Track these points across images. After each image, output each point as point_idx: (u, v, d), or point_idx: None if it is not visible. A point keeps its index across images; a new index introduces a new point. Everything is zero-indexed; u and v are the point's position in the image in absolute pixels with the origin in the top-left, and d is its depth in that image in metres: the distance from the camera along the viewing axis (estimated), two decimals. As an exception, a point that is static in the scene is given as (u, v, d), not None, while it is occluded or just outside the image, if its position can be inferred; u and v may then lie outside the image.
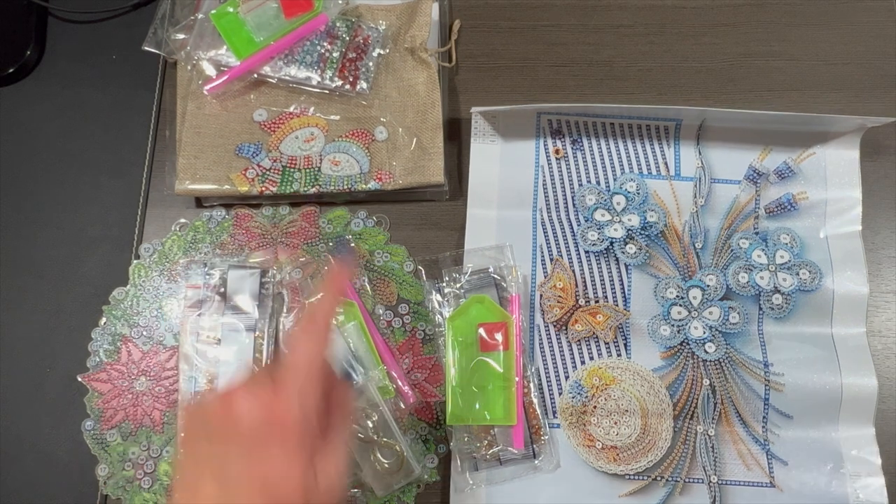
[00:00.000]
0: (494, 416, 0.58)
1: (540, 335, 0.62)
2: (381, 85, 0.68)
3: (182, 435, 0.57)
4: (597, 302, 0.63)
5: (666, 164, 0.66)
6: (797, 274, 0.62)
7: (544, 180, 0.66)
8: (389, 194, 0.66)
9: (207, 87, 0.66)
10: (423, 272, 0.64)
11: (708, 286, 0.62)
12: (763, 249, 0.63)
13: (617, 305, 0.63)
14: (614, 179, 0.66)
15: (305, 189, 0.64)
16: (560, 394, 0.61)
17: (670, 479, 0.59)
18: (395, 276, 0.64)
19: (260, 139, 0.66)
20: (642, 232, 0.63)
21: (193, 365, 0.59)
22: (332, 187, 0.64)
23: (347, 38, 0.68)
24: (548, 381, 0.61)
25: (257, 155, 0.65)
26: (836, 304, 0.62)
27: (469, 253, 0.63)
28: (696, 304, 0.62)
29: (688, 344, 0.62)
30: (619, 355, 0.62)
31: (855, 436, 0.59)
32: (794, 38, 0.72)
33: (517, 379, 0.59)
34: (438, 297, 0.62)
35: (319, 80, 0.66)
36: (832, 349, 0.61)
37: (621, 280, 0.63)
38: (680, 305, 0.62)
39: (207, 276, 0.61)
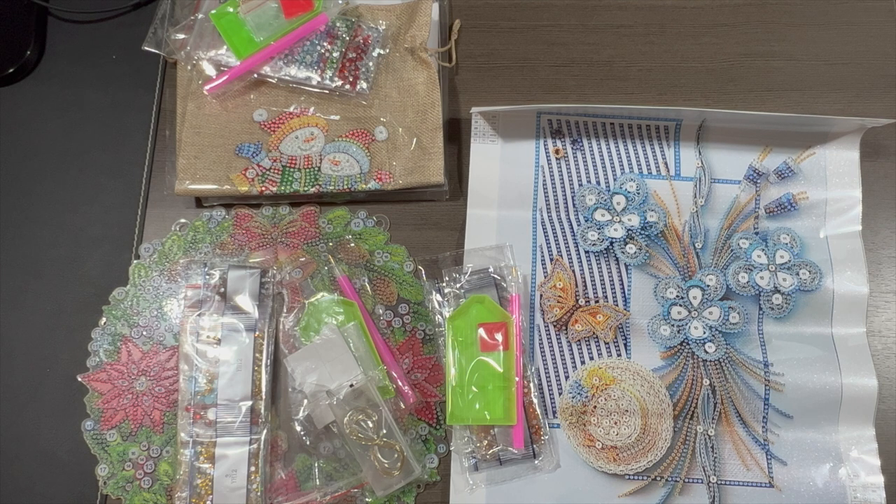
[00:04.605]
0: (494, 416, 0.58)
1: (540, 335, 0.62)
2: (381, 85, 0.68)
3: None
4: (597, 302, 0.63)
5: (666, 164, 0.66)
6: (797, 274, 0.62)
7: (544, 180, 0.66)
8: (389, 194, 0.66)
9: (207, 87, 0.66)
10: (423, 272, 0.64)
11: (708, 286, 0.62)
12: (763, 249, 0.63)
13: (617, 305, 0.63)
14: (614, 179, 0.66)
15: (305, 189, 0.64)
16: (560, 394, 0.61)
17: (670, 479, 0.59)
18: (395, 276, 0.64)
19: (260, 139, 0.66)
20: (642, 232, 0.63)
21: (193, 365, 0.59)
22: (332, 187, 0.64)
23: (347, 38, 0.68)
24: (548, 381, 0.61)
25: (257, 155, 0.65)
26: (836, 304, 0.62)
27: (469, 253, 0.63)
28: (696, 304, 0.62)
29: (688, 344, 0.62)
30: (619, 355, 0.62)
31: (855, 436, 0.59)
32: (794, 38, 0.72)
33: (517, 379, 0.59)
34: (438, 297, 0.62)
35: (319, 80, 0.66)
36: (832, 349, 0.61)
37: (621, 280, 0.63)
38: (680, 305, 0.62)
39: (207, 276, 0.61)
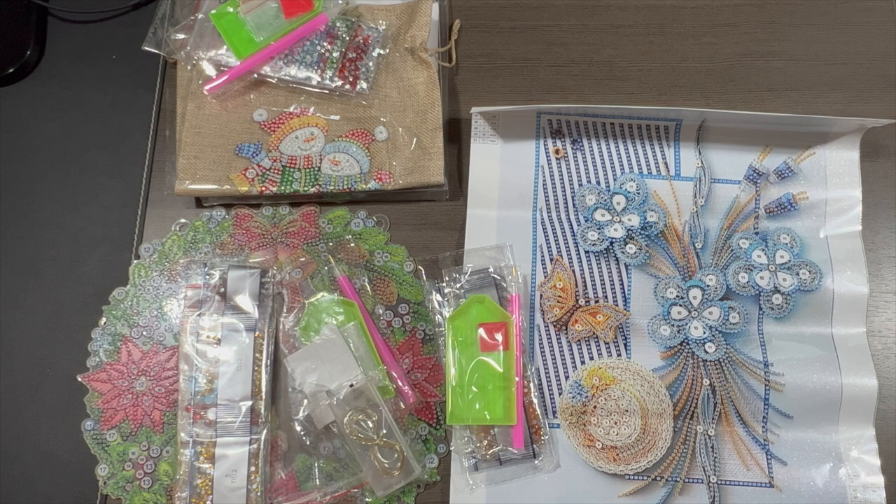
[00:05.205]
0: (494, 416, 0.58)
1: (540, 335, 0.62)
2: (381, 85, 0.68)
3: None
4: (597, 302, 0.63)
5: (666, 164, 0.66)
6: (797, 274, 0.62)
7: (544, 180, 0.66)
8: (389, 194, 0.66)
9: (207, 87, 0.66)
10: (423, 272, 0.64)
11: (708, 286, 0.62)
12: (763, 249, 0.63)
13: (617, 305, 0.63)
14: (614, 179, 0.66)
15: (305, 189, 0.64)
16: (560, 394, 0.61)
17: (670, 479, 0.59)
18: (395, 276, 0.64)
19: (260, 139, 0.66)
20: (642, 232, 0.63)
21: (193, 365, 0.59)
22: (332, 187, 0.64)
23: (347, 38, 0.68)
24: (548, 381, 0.61)
25: (257, 155, 0.65)
26: (836, 304, 0.62)
27: (469, 253, 0.63)
28: (696, 304, 0.62)
29: (688, 344, 0.62)
30: (619, 355, 0.62)
31: (854, 436, 0.59)
32: (794, 38, 0.72)
33: (517, 379, 0.59)
34: (438, 297, 0.62)
35: (319, 80, 0.66)
36: (832, 349, 0.61)
37: (621, 280, 0.63)
38: (680, 305, 0.62)
39: (207, 276, 0.61)
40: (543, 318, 0.62)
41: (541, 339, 0.62)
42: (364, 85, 0.67)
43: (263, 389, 0.59)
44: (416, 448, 0.59)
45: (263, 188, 0.64)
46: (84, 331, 0.62)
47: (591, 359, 0.61)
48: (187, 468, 0.57)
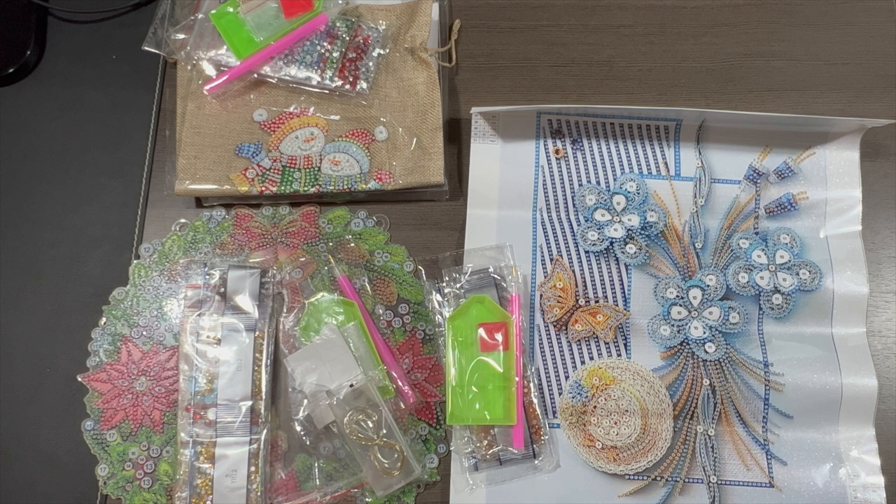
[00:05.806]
0: (494, 416, 0.58)
1: (540, 335, 0.62)
2: (381, 85, 0.68)
3: None
4: (597, 302, 0.63)
5: (666, 164, 0.66)
6: (797, 274, 0.62)
7: (544, 180, 0.66)
8: (389, 194, 0.66)
9: (207, 87, 0.66)
10: (423, 272, 0.64)
11: (708, 286, 0.62)
12: (763, 249, 0.63)
13: (617, 305, 0.63)
14: (614, 179, 0.66)
15: (305, 189, 0.64)
16: (560, 394, 0.61)
17: (670, 479, 0.59)
18: (395, 276, 0.64)
19: (260, 139, 0.66)
20: (642, 232, 0.63)
21: (193, 365, 0.59)
22: (332, 187, 0.64)
23: (347, 38, 0.68)
24: (548, 381, 0.61)
25: (257, 155, 0.65)
26: (836, 304, 0.62)
27: (469, 253, 0.63)
28: (696, 304, 0.62)
29: (688, 344, 0.62)
30: (619, 355, 0.62)
31: (854, 436, 0.59)
32: (794, 38, 0.72)
33: (517, 379, 0.59)
34: (438, 297, 0.62)
35: (319, 80, 0.66)
36: (832, 349, 0.61)
37: (621, 280, 0.63)
38: (680, 305, 0.62)
39: (207, 276, 0.61)
40: (543, 318, 0.62)
41: (541, 339, 0.62)
42: (364, 85, 0.67)
43: (263, 389, 0.59)
44: (416, 448, 0.59)
45: (263, 188, 0.64)
46: (84, 331, 0.62)
47: (591, 359, 0.61)
48: (187, 468, 0.57)
